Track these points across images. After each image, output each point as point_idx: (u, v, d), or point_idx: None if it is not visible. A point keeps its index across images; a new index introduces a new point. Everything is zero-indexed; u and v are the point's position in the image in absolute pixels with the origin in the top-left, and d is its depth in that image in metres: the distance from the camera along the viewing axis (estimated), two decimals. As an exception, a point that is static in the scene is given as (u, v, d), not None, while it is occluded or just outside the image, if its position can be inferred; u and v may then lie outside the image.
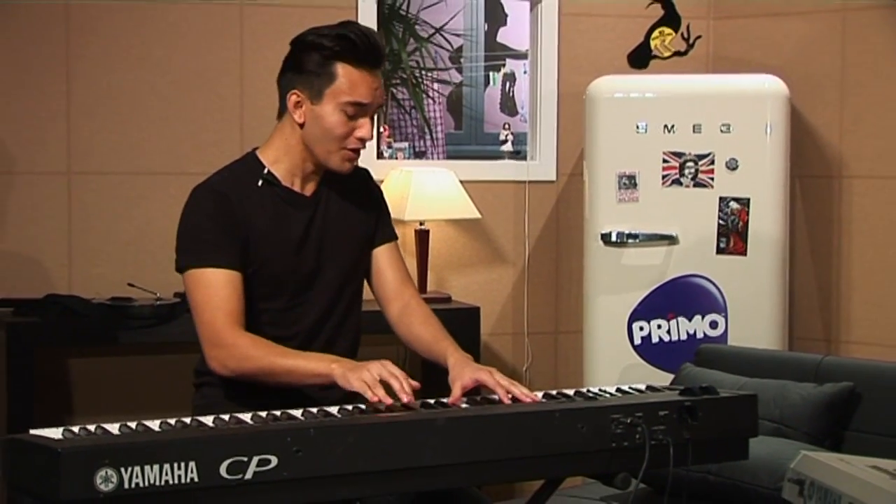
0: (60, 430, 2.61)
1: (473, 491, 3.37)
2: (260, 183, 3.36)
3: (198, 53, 5.63)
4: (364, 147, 3.36)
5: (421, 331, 3.48)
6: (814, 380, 4.43)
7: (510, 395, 3.08)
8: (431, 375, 4.81)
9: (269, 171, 3.37)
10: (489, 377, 3.14)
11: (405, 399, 2.98)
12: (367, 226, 3.52)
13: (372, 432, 2.75)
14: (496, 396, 3.08)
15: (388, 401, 2.98)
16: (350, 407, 2.96)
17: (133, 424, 2.69)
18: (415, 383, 3.03)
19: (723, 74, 6.00)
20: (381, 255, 3.55)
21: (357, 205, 3.49)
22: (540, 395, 3.14)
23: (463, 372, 3.19)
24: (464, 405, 3.06)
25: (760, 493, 3.96)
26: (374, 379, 3.01)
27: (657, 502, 3.53)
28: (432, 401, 3.10)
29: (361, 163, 3.47)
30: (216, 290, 3.24)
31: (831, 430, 4.31)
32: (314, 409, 2.91)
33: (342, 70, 3.27)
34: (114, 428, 2.67)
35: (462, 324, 5.60)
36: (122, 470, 2.46)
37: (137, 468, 2.47)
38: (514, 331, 6.10)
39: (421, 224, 5.70)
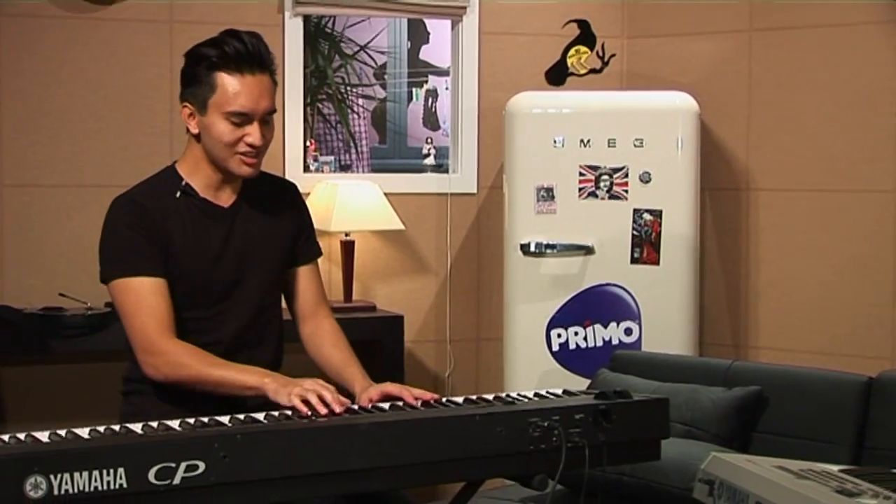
0: (-10, 438, 2.58)
1: (399, 493, 3.36)
2: (178, 195, 3.32)
3: (128, 69, 5.59)
4: (256, 150, 3.27)
5: (331, 353, 3.47)
6: (723, 384, 4.46)
7: (414, 397, 3.11)
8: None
9: (186, 184, 3.33)
10: (393, 387, 3.17)
11: (338, 411, 2.95)
12: (289, 240, 3.48)
13: (298, 437, 2.74)
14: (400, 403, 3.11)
15: (324, 411, 2.95)
16: (276, 413, 2.94)
17: (62, 432, 2.66)
18: (345, 400, 3.01)
19: (636, 91, 6.04)
20: (302, 274, 3.53)
21: (280, 218, 3.45)
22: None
23: (367, 393, 3.20)
24: (384, 406, 3.06)
25: (672, 493, 3.98)
26: (305, 394, 2.97)
27: (574, 503, 3.53)
28: (357, 405, 3.09)
29: (289, 177, 3.43)
30: (145, 297, 3.20)
31: (740, 432, 4.34)
32: (241, 416, 2.89)
33: (221, 80, 3.22)
34: (43, 436, 2.63)
35: (386, 332, 5.61)
36: (52, 477, 2.42)
37: (67, 475, 2.44)
38: (436, 338, 6.10)
39: (346, 235, 5.68)
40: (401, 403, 3.10)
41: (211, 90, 3.23)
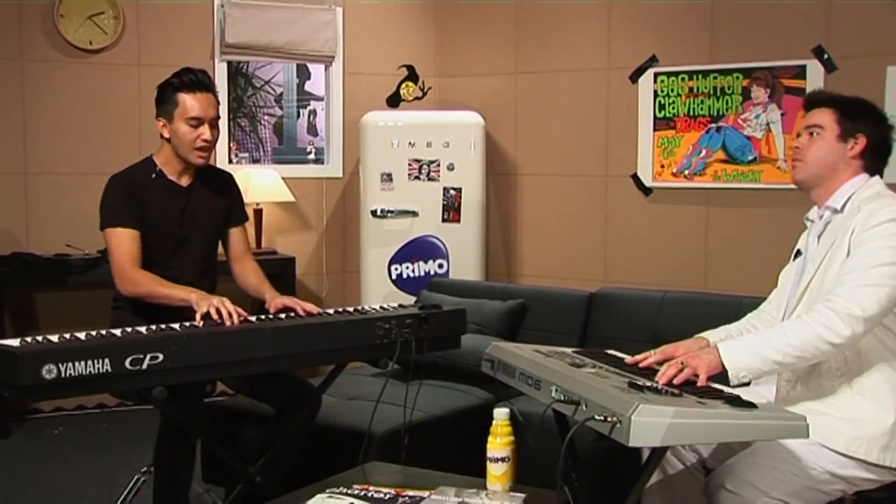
0: (18, 340, 2.53)
1: (292, 372, 3.35)
2: (153, 176, 3.28)
3: (110, 96, 5.48)
4: (209, 145, 3.24)
5: (252, 279, 3.44)
6: (501, 298, 4.52)
7: (303, 309, 3.12)
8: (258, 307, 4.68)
9: (159, 169, 3.29)
10: (290, 301, 3.18)
11: (228, 324, 2.88)
12: (225, 211, 3.43)
13: (224, 336, 2.74)
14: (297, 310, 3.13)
15: (228, 322, 2.88)
16: (210, 322, 2.90)
17: (67, 335, 2.62)
18: (243, 312, 2.95)
19: (445, 111, 6.05)
20: (234, 233, 3.48)
21: (219, 197, 3.41)
22: (314, 308, 3.15)
23: (274, 301, 3.21)
24: (282, 316, 3.04)
25: (470, 369, 4.01)
26: (213, 308, 2.92)
27: (406, 376, 3.55)
28: (263, 316, 3.07)
29: (218, 166, 3.37)
30: (123, 240, 3.17)
31: (511, 329, 4.39)
32: (187, 323, 2.86)
33: (181, 98, 3.20)
34: (54, 338, 2.59)
35: (284, 269, 5.58)
36: (60, 364, 2.41)
37: (70, 363, 2.43)
38: (317, 272, 6.07)
39: (257, 205, 5.62)
40: (293, 314, 3.10)
41: (175, 105, 3.21)
